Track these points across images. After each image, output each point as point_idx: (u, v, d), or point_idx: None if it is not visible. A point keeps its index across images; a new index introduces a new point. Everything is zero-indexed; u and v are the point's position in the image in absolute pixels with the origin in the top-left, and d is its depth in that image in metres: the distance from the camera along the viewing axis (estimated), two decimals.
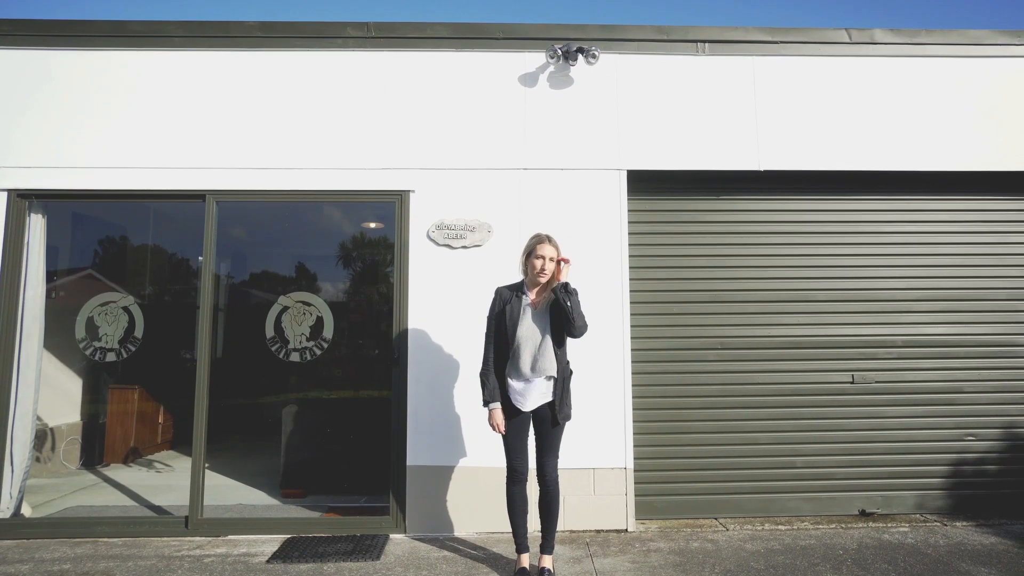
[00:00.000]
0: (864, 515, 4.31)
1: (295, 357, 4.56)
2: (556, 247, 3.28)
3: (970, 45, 4.52)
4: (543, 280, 3.25)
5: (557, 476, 3.26)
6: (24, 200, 4.20)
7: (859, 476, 4.36)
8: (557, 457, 3.27)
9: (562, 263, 3.26)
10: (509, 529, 3.37)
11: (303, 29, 4.36)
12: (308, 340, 4.58)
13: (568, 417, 3.28)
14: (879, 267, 4.51)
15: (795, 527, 4.11)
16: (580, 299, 3.31)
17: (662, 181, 4.44)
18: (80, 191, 4.22)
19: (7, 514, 4.02)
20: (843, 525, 4.14)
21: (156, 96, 4.28)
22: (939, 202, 4.57)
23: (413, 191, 4.23)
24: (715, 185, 4.50)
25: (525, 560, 3.28)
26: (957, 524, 4.16)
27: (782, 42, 4.47)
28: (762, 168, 4.36)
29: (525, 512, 3.30)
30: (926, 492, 4.38)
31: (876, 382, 4.43)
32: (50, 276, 4.47)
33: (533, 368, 3.20)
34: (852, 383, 4.42)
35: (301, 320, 4.58)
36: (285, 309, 4.60)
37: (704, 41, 4.44)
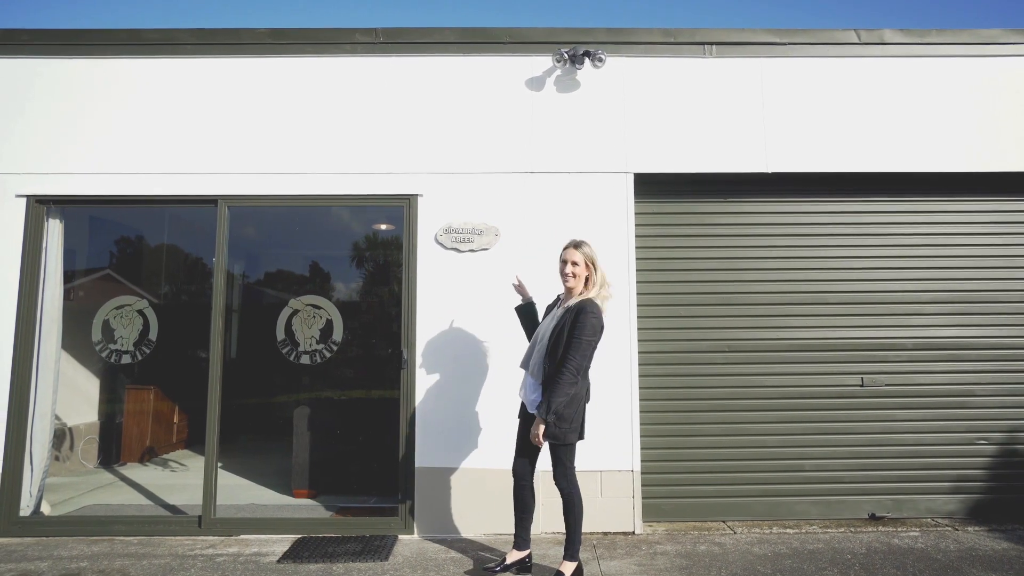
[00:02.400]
0: (874, 519, 4.28)
1: (305, 359, 4.62)
2: (584, 253, 3.24)
3: (982, 44, 4.46)
4: (569, 285, 3.27)
5: (566, 486, 3.19)
6: (42, 206, 4.29)
7: (869, 480, 4.33)
8: (560, 467, 3.19)
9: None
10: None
11: (313, 36, 4.42)
12: (318, 343, 4.63)
13: (555, 437, 3.10)
14: (889, 269, 4.47)
15: (803, 530, 4.10)
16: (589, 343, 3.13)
17: (669, 184, 4.43)
18: (95, 197, 4.31)
19: (27, 512, 4.13)
20: (852, 529, 4.12)
21: (169, 102, 4.35)
22: (950, 204, 4.53)
23: (421, 195, 4.27)
24: (722, 187, 4.49)
25: (514, 555, 3.35)
26: (968, 529, 4.12)
27: (790, 43, 4.45)
28: (770, 170, 4.34)
29: (522, 510, 3.34)
30: (937, 496, 4.34)
31: (886, 385, 4.39)
32: (68, 278, 4.57)
33: (525, 364, 3.33)
34: (862, 386, 4.39)
35: (311, 323, 4.64)
36: (295, 312, 4.66)
37: (711, 43, 4.43)
